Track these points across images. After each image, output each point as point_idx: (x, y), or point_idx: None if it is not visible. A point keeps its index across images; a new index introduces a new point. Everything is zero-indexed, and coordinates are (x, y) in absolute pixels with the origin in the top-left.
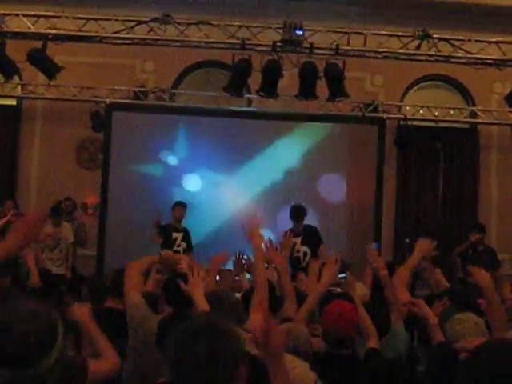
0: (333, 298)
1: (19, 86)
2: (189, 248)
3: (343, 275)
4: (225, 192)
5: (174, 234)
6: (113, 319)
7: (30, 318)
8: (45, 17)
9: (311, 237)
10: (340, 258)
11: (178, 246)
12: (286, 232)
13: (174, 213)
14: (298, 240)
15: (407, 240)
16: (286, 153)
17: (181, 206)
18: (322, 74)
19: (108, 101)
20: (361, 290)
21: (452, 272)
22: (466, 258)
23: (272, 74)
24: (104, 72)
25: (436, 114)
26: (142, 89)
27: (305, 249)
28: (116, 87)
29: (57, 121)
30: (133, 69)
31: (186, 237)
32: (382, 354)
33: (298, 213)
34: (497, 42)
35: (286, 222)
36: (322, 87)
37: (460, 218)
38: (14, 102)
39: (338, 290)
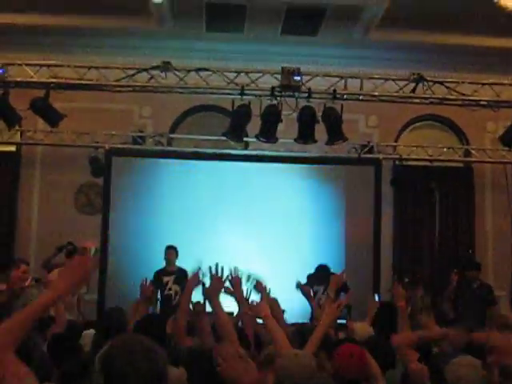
0: (339, 342)
1: (18, 133)
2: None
3: (343, 321)
4: (223, 238)
5: (165, 279)
6: None
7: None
8: (47, 65)
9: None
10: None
11: (170, 289)
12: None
13: (166, 256)
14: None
15: (406, 279)
16: (287, 195)
17: (171, 249)
18: (320, 118)
19: (107, 146)
20: (364, 329)
21: (443, 318)
22: (461, 296)
23: (271, 119)
24: (102, 117)
25: (430, 153)
26: (140, 134)
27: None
28: (115, 132)
29: (56, 166)
30: (131, 115)
31: (181, 277)
32: None
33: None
34: (490, 84)
35: (287, 268)
36: (319, 130)
37: (457, 256)
38: (13, 149)
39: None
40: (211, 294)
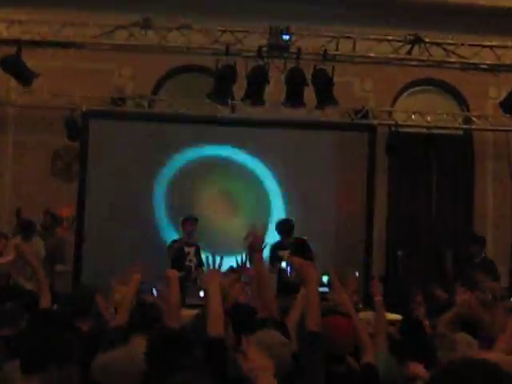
0: (327, 313)
1: None
2: (200, 264)
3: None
4: (207, 206)
5: (186, 249)
6: None
7: None
8: (19, 21)
9: (300, 251)
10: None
11: (190, 260)
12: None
13: (185, 228)
14: (286, 254)
15: (400, 252)
16: (272, 162)
17: (191, 220)
18: (309, 81)
19: (84, 108)
20: None
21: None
22: (463, 271)
23: (258, 81)
24: (79, 77)
25: (429, 119)
26: (119, 95)
27: None
28: (92, 94)
29: (30, 129)
30: (110, 74)
31: (198, 252)
32: (378, 370)
33: (285, 227)
34: (491, 47)
35: (273, 236)
36: (309, 93)
37: (455, 229)
38: None
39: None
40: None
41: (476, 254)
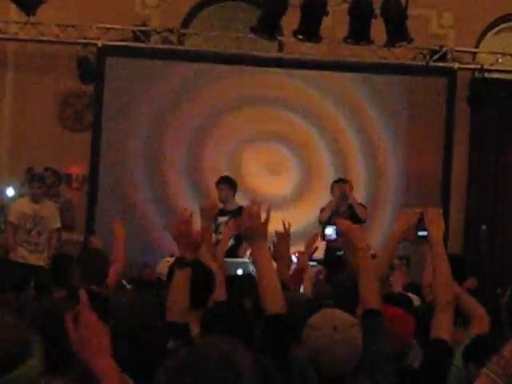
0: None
1: None
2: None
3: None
4: (247, 162)
5: (219, 219)
6: None
7: None
8: None
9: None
10: None
11: (221, 233)
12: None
13: (218, 193)
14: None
15: (484, 227)
16: (330, 112)
17: (225, 183)
18: (378, 12)
19: (100, 43)
20: None
21: None
22: None
23: (314, 11)
24: (95, 7)
25: None
26: (143, 28)
27: None
28: (110, 26)
29: (34, 69)
30: (131, 3)
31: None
32: None
33: None
34: None
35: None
36: (377, 29)
37: None
38: None
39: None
40: None
41: None
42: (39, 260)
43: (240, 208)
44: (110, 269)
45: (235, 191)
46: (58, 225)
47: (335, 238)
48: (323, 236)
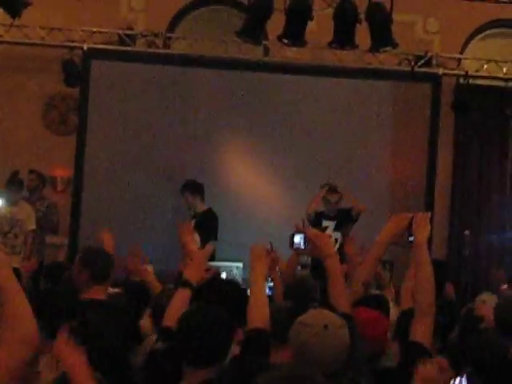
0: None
1: None
2: None
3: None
4: (233, 164)
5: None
6: None
7: None
8: None
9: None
10: None
11: None
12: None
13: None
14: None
15: (467, 232)
16: (314, 116)
17: (186, 191)
18: (362, 17)
19: (85, 46)
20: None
21: None
22: None
23: (299, 16)
24: (81, 10)
25: (506, 70)
26: (128, 31)
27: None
28: (96, 29)
29: (19, 71)
30: (117, 7)
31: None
32: None
33: None
34: None
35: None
36: (362, 34)
37: None
38: None
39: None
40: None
41: None
42: (15, 262)
43: (208, 210)
44: None
45: (201, 193)
46: (33, 226)
47: (303, 247)
48: (291, 244)
